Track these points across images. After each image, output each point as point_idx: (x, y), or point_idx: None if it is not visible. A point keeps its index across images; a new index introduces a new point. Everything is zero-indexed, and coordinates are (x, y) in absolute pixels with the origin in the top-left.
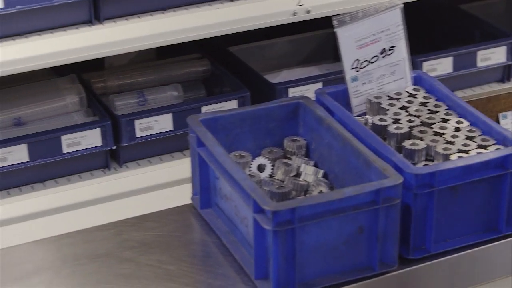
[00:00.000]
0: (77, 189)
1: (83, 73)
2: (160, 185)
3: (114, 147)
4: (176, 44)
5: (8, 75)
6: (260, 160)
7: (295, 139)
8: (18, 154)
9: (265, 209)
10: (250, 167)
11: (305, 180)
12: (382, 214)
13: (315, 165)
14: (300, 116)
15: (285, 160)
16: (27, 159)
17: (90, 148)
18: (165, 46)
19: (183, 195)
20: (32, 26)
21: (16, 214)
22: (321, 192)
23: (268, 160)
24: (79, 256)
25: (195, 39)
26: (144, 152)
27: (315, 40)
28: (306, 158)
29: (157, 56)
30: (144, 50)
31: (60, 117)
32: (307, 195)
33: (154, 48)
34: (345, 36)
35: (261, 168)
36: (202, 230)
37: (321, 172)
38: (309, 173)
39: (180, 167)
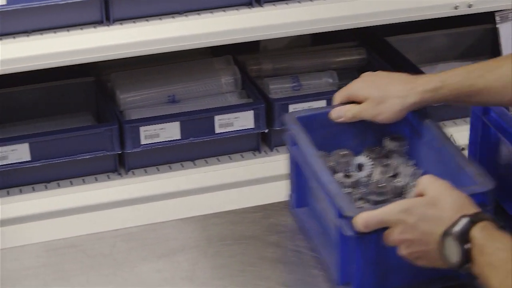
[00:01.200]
0: (226, 170)
1: (238, 54)
2: None
3: (266, 130)
4: (332, 31)
5: (165, 53)
6: (360, 159)
7: (395, 137)
8: (171, 132)
9: (346, 215)
10: (350, 166)
11: (403, 181)
12: None
13: (416, 165)
14: None
15: (385, 160)
16: (179, 137)
17: (242, 130)
18: (321, 32)
19: None
20: (193, 5)
21: (164, 191)
22: None
23: (368, 158)
24: (225, 237)
25: (353, 27)
26: None
27: (473, 34)
28: (406, 157)
29: (312, 42)
30: (300, 35)
31: (214, 97)
32: (404, 197)
33: (310, 34)
34: (507, 33)
35: (360, 167)
36: None
37: (419, 173)
38: (407, 173)
39: None
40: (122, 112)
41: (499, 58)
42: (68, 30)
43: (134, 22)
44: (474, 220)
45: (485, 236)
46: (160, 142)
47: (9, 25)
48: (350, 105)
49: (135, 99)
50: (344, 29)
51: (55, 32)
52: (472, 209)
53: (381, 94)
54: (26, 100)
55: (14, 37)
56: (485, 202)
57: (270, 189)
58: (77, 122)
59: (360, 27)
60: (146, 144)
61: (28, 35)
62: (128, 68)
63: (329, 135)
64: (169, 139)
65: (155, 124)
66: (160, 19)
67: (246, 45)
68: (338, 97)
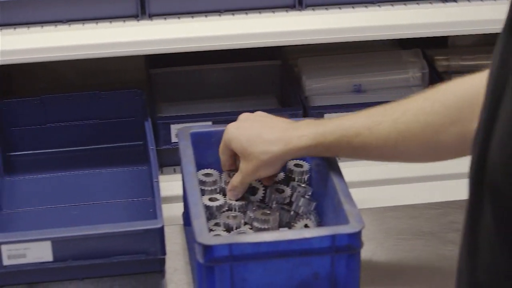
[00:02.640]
0: (408, 164)
1: (425, 48)
2: None
3: None
4: None
5: (353, 41)
6: (253, 182)
7: (298, 163)
8: None
9: (198, 241)
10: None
11: (294, 211)
12: (340, 263)
13: (313, 195)
14: None
15: (281, 186)
16: None
17: None
18: None
19: None
20: None
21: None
22: (306, 226)
23: (261, 183)
24: (404, 231)
25: None
26: None
27: None
28: (305, 186)
29: None
30: (489, 34)
31: (399, 90)
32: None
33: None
34: None
35: (252, 190)
36: None
37: (313, 204)
38: (299, 204)
39: None
40: (306, 98)
41: (380, 111)
42: (260, 12)
43: (326, 8)
44: None
45: None
46: None
47: (202, 4)
48: (234, 176)
49: (321, 85)
50: None
51: (246, 13)
52: None
53: (255, 150)
54: (214, 78)
55: (205, 16)
56: (352, 243)
57: (450, 186)
58: (261, 105)
59: None
60: None
61: (220, 15)
62: (314, 54)
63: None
64: None
65: (339, 112)
66: (352, 7)
67: (435, 39)
68: (220, 148)
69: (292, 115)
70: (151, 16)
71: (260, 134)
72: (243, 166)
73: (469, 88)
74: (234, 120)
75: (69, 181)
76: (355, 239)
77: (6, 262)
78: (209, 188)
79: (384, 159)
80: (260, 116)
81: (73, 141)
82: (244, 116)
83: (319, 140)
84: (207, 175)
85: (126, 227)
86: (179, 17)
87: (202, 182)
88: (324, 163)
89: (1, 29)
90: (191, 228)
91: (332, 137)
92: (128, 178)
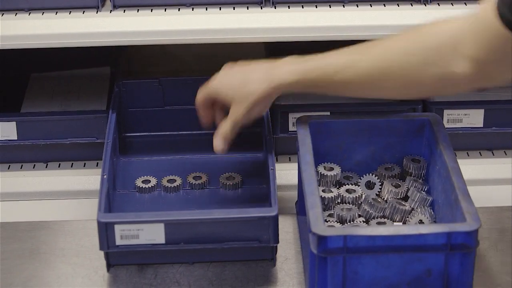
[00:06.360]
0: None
1: None
2: None
3: None
4: None
5: None
6: (369, 177)
7: (415, 159)
8: (474, 118)
9: (312, 231)
10: (358, 181)
11: (410, 206)
12: (454, 261)
13: (428, 190)
14: (425, 135)
15: (397, 181)
16: (481, 125)
17: None
18: None
19: None
20: None
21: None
22: (420, 221)
23: (377, 178)
24: None
25: None
26: None
27: None
28: (421, 181)
29: None
30: None
31: None
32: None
33: None
34: None
35: (368, 185)
36: None
37: (429, 200)
38: (414, 199)
39: None
40: None
41: (362, 49)
42: (384, 5)
43: (452, 4)
44: None
45: None
46: (462, 127)
47: None
48: (223, 124)
49: None
50: None
51: (370, 5)
52: None
53: (243, 91)
54: None
55: (329, 6)
56: (468, 242)
57: None
58: None
59: None
60: (448, 128)
61: (344, 5)
62: None
63: (344, 146)
64: (472, 126)
65: (459, 109)
66: None
67: None
68: (200, 99)
69: (411, 110)
70: (274, 4)
71: (245, 76)
72: (234, 110)
73: (449, 31)
74: (353, 111)
75: (183, 165)
76: (471, 237)
77: (118, 242)
78: (328, 181)
79: (364, 95)
80: (242, 63)
81: (189, 125)
82: (226, 66)
83: (301, 77)
84: (328, 168)
85: (240, 213)
86: (302, 6)
87: (322, 175)
88: (442, 160)
89: (124, 11)
90: (306, 218)
91: (314, 74)
92: (243, 164)
